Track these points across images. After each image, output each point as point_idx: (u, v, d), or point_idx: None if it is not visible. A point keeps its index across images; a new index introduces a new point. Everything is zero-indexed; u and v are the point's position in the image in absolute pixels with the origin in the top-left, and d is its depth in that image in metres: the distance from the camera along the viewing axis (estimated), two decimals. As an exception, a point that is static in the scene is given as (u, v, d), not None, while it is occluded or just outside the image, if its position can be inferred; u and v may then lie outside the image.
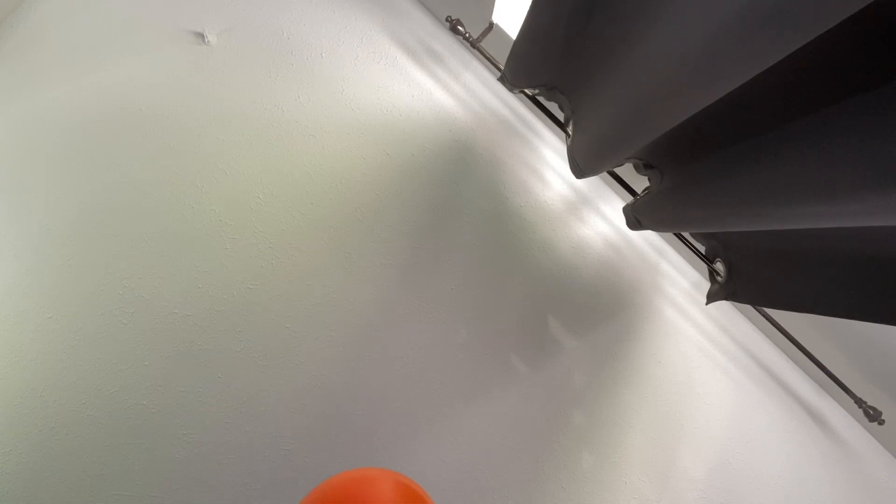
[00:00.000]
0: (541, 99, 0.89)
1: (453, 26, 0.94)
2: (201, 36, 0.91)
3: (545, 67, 0.74)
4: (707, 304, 0.94)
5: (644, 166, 0.79)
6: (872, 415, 1.06)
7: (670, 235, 1.13)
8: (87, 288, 0.77)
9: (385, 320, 0.91)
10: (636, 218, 0.87)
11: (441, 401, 0.91)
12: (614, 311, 1.08)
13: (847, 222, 0.45)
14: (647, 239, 1.16)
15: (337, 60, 0.99)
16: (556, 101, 0.84)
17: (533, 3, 0.61)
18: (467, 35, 0.95)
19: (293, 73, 0.95)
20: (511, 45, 0.74)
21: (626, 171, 0.89)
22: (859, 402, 1.08)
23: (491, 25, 0.96)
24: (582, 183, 1.13)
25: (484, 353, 0.95)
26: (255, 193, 0.88)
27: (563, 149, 1.12)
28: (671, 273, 1.16)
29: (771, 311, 1.06)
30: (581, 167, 0.78)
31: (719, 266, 0.90)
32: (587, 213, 1.11)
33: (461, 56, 1.09)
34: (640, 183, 0.87)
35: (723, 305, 1.18)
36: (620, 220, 1.12)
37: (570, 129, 0.84)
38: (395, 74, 1.02)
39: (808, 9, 0.29)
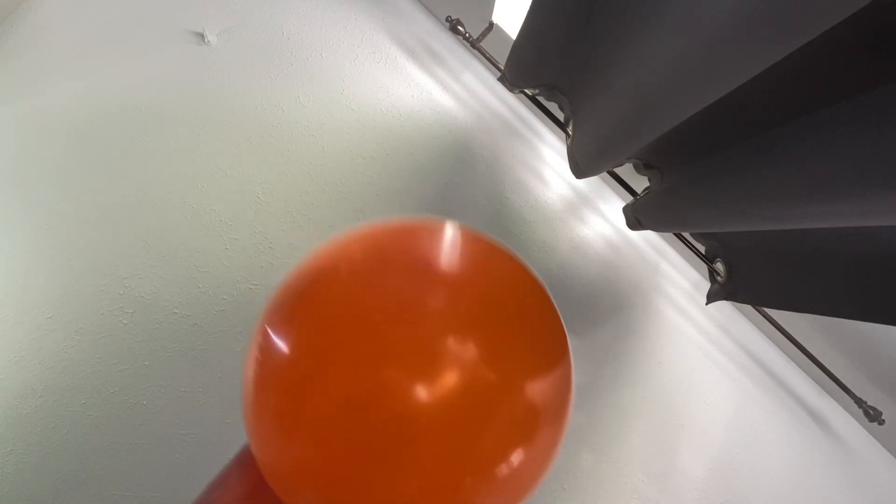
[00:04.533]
0: (541, 99, 0.89)
1: (453, 26, 0.94)
2: (201, 36, 0.91)
3: (545, 67, 0.74)
4: (707, 304, 0.93)
5: (644, 166, 0.79)
6: (872, 415, 1.06)
7: (670, 235, 1.13)
8: (87, 288, 0.77)
9: (385, 320, 0.90)
10: (636, 218, 0.87)
11: (441, 401, 0.91)
12: (614, 311, 1.07)
13: (847, 222, 0.45)
14: (647, 239, 1.16)
15: (337, 60, 0.99)
16: (556, 101, 0.84)
17: (533, 3, 0.60)
18: (467, 35, 0.95)
19: (293, 73, 0.95)
20: (511, 45, 0.74)
21: (626, 171, 0.88)
22: (859, 402, 1.08)
23: (491, 25, 0.96)
24: (582, 183, 1.12)
25: (484, 353, 0.95)
26: (255, 193, 0.88)
27: (563, 149, 1.12)
28: (671, 273, 1.16)
29: (771, 311, 1.06)
30: (581, 167, 0.78)
31: (719, 266, 0.90)
32: (587, 213, 1.11)
33: (461, 56, 1.09)
34: (640, 183, 0.87)
35: (723, 305, 1.18)
36: (620, 220, 1.12)
37: (570, 129, 0.84)
38: (395, 74, 1.02)
39: (808, 9, 0.29)
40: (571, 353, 0.32)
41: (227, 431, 0.79)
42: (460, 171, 1.02)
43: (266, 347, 0.30)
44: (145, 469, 0.75)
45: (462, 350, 0.25)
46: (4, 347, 0.73)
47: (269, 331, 0.30)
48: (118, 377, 0.76)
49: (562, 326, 0.32)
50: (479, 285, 0.30)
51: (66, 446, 0.72)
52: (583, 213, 1.11)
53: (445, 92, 1.05)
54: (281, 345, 0.29)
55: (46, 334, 0.74)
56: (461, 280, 0.30)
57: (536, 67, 0.75)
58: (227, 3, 0.95)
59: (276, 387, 0.28)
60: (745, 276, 0.84)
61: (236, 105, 0.90)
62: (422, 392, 0.24)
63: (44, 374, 0.73)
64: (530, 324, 0.31)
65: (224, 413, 0.79)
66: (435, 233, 0.33)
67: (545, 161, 1.10)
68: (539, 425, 0.28)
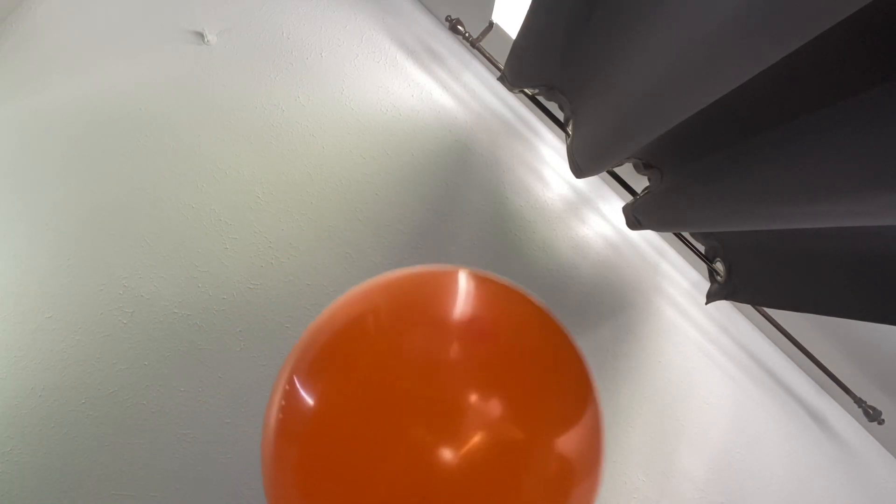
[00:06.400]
0: (541, 99, 0.89)
1: (453, 26, 0.94)
2: (201, 36, 0.91)
3: (545, 67, 0.74)
4: (707, 303, 0.93)
5: (644, 166, 0.79)
6: (872, 415, 1.06)
7: (670, 235, 1.13)
8: (87, 288, 0.77)
9: (385, 320, 0.90)
10: (636, 218, 0.87)
11: (441, 401, 0.90)
12: (614, 311, 1.07)
13: (847, 222, 0.45)
14: (647, 239, 1.16)
15: (337, 60, 0.99)
16: (556, 101, 0.84)
17: (533, 3, 0.60)
18: (467, 35, 0.95)
19: (293, 73, 0.95)
20: (511, 45, 0.74)
21: (626, 171, 0.88)
22: (859, 401, 1.08)
23: (491, 25, 0.96)
24: (582, 183, 1.12)
25: (484, 353, 0.95)
26: (255, 193, 0.88)
27: (563, 149, 1.12)
28: (671, 273, 1.16)
29: (771, 311, 1.06)
30: (581, 167, 0.78)
31: (719, 266, 0.90)
32: (587, 212, 1.11)
33: (461, 56, 1.09)
34: (640, 183, 0.87)
35: (723, 305, 1.18)
36: (620, 220, 1.12)
37: (570, 129, 0.84)
38: (395, 74, 1.02)
39: (808, 8, 0.29)
40: (599, 401, 0.29)
41: (227, 431, 0.79)
42: (460, 171, 1.02)
43: (291, 399, 0.27)
44: (145, 469, 0.75)
45: (487, 407, 0.24)
46: (4, 347, 0.73)
47: (297, 382, 0.28)
48: (118, 377, 0.76)
49: (586, 371, 0.29)
50: (501, 336, 0.28)
51: (66, 446, 0.72)
52: (583, 213, 1.11)
53: (445, 92, 1.05)
54: (307, 399, 0.26)
55: (46, 334, 0.74)
56: (482, 332, 0.28)
57: (536, 67, 0.75)
58: (227, 3, 0.95)
59: (299, 441, 0.26)
60: (744, 276, 0.84)
61: (236, 105, 0.90)
62: (447, 453, 0.22)
63: (44, 374, 0.73)
64: (555, 373, 0.28)
65: (224, 413, 0.79)
66: (456, 281, 0.31)
67: (545, 161, 1.10)
68: (571, 483, 0.25)
